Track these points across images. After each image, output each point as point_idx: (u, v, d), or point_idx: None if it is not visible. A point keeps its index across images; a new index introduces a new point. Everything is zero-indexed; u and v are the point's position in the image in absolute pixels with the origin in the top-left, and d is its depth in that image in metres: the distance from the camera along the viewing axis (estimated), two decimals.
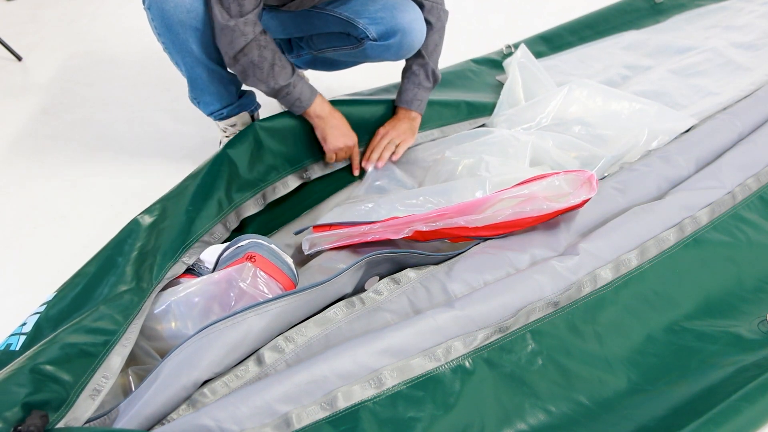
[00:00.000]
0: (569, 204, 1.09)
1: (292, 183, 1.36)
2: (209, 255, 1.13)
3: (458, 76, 1.73)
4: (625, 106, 1.56)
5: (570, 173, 1.12)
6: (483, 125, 1.59)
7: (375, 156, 1.45)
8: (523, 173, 1.28)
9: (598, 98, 1.58)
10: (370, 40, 1.36)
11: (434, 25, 1.44)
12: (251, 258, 1.05)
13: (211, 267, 1.12)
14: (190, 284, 1.03)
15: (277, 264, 1.07)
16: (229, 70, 1.33)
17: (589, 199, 1.10)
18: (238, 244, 1.08)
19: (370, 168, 1.45)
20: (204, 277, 1.05)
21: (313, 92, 1.34)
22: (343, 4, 1.37)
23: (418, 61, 1.46)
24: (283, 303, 0.95)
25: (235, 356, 0.91)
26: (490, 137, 1.44)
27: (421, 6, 1.40)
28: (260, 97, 1.58)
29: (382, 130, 1.47)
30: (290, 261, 1.10)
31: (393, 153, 1.46)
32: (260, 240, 1.09)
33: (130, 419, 0.84)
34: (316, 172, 1.40)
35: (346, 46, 1.42)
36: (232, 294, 1.02)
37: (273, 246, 1.09)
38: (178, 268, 1.09)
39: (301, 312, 0.98)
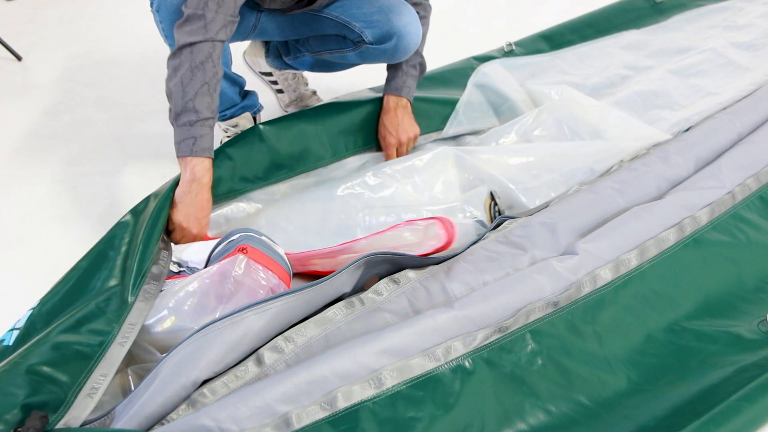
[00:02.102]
0: (423, 252, 1.10)
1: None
2: (200, 254, 1.13)
3: (459, 74, 1.73)
4: (599, 123, 1.51)
5: (414, 223, 1.14)
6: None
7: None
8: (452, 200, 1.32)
9: (572, 115, 1.52)
10: (367, 43, 1.36)
11: (425, 18, 1.44)
12: (243, 250, 1.05)
13: (202, 266, 1.12)
14: (186, 281, 1.03)
15: (270, 255, 1.08)
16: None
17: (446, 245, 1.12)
18: (230, 239, 1.09)
19: None
20: (199, 272, 1.05)
21: (211, 151, 1.18)
22: (339, 6, 1.36)
23: None
24: (282, 302, 0.95)
25: (234, 355, 0.91)
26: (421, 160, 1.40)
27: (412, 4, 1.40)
28: (262, 99, 1.59)
29: (390, 138, 1.44)
30: (282, 252, 1.10)
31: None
32: (251, 233, 1.10)
33: (129, 419, 0.84)
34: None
35: (342, 49, 1.42)
36: (228, 286, 1.02)
37: (264, 238, 1.10)
38: (161, 264, 1.08)
39: (300, 311, 0.98)
